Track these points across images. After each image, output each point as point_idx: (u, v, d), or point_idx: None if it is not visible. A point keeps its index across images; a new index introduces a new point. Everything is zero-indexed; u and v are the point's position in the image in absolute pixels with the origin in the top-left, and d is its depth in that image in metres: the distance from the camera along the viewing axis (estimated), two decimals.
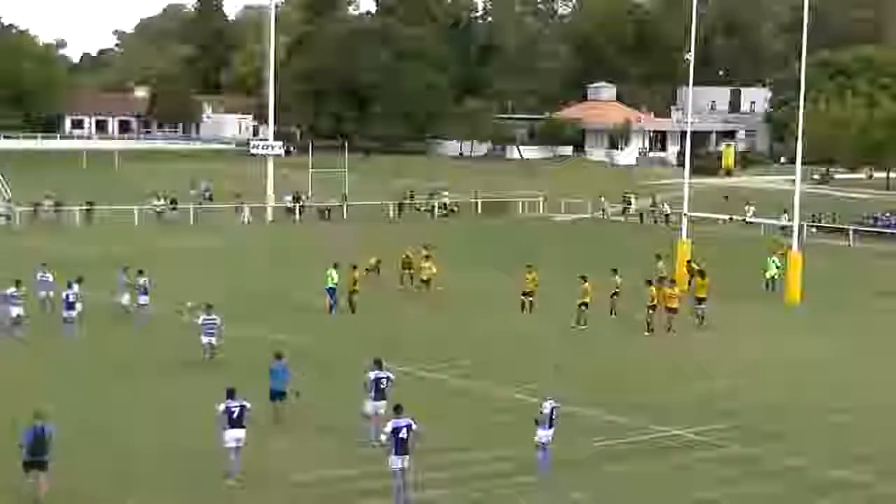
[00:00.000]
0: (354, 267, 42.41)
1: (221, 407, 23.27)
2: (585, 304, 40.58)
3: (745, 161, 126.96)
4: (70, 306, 36.46)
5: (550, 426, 23.71)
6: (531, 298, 42.65)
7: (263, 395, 26.50)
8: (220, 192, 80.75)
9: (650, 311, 40.11)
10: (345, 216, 75.43)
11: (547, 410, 23.70)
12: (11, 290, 36.13)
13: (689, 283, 46.57)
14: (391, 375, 26.06)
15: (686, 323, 40.64)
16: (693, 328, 40.62)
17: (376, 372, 25.80)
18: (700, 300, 41.76)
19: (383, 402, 25.21)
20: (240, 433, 23.18)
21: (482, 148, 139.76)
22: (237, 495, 22.43)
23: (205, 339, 33.06)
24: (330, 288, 41.66)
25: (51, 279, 39.36)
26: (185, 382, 31.17)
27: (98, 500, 22.40)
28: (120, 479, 23.32)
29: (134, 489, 22.73)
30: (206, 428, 26.23)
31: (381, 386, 25.62)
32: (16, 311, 35.89)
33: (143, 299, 39.15)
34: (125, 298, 39.21)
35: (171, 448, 25.40)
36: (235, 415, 23.18)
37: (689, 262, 49.46)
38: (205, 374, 31.68)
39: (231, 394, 23.51)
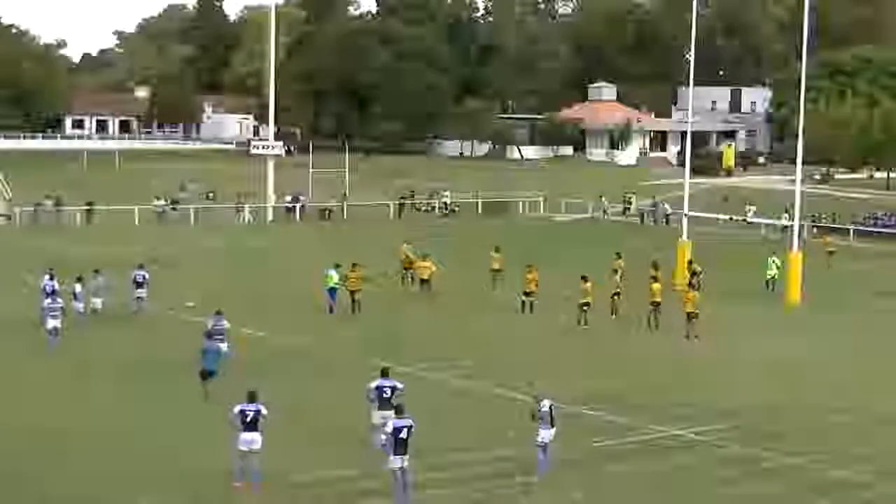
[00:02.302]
0: (354, 267, 42.33)
1: (236, 409, 22.95)
2: (587, 304, 40.58)
3: (745, 161, 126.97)
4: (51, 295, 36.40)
5: (552, 426, 23.72)
6: (532, 298, 42.62)
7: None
8: (216, 191, 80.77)
9: (652, 310, 40.22)
10: (345, 216, 75.43)
11: (546, 409, 23.70)
12: (48, 301, 35.61)
13: (689, 283, 46.47)
14: (398, 385, 25.20)
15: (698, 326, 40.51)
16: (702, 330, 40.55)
17: (379, 381, 25.10)
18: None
19: (390, 412, 23.71)
20: (253, 436, 22.71)
21: (482, 148, 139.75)
22: (237, 495, 22.41)
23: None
24: (330, 288, 41.59)
25: (57, 286, 39.14)
26: (186, 383, 31.10)
27: (107, 502, 22.38)
28: (126, 480, 23.28)
29: (140, 491, 22.68)
30: (207, 428, 26.22)
31: (385, 395, 24.83)
32: (52, 323, 34.98)
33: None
34: (99, 302, 39.05)
35: (171, 448, 25.39)
36: (249, 418, 22.75)
37: (689, 262, 49.44)
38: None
39: (251, 397, 23.16)
